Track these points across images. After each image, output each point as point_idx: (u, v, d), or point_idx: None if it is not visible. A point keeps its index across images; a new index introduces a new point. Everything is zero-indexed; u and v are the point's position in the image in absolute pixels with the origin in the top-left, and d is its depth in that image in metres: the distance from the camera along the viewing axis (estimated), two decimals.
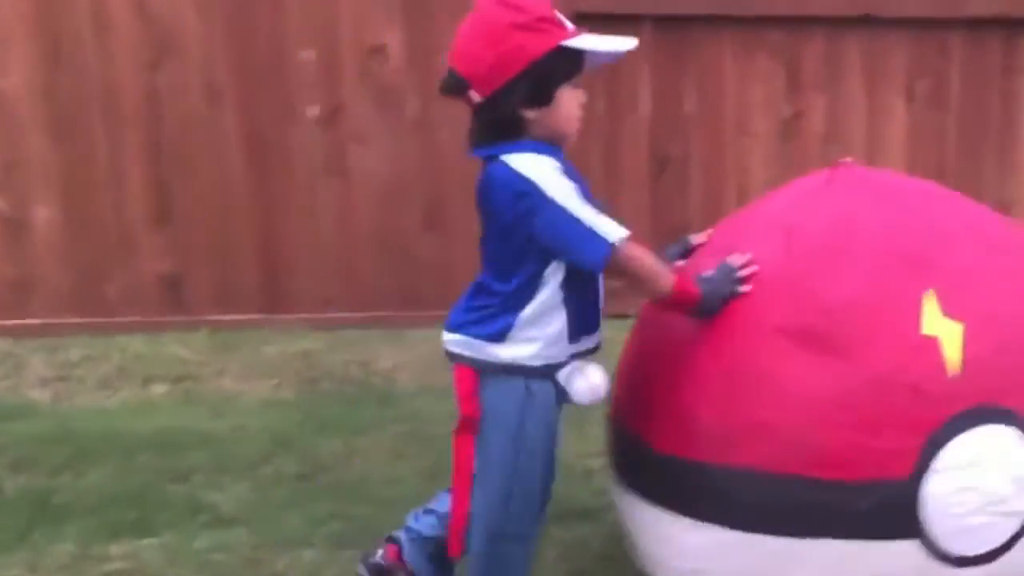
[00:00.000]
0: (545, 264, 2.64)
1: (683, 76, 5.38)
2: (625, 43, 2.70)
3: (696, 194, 5.41)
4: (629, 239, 2.59)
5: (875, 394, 2.56)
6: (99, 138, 5.11)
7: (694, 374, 2.72)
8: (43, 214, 5.13)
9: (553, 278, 2.66)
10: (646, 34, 5.24)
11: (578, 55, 2.64)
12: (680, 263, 2.93)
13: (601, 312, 2.78)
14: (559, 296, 2.68)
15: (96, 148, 5.11)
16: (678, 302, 2.70)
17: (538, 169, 2.59)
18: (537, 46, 2.58)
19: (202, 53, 5.09)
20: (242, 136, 5.16)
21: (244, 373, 4.76)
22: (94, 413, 4.39)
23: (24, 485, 3.81)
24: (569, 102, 2.66)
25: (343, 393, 4.57)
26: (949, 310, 2.63)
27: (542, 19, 2.60)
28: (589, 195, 2.60)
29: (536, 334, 2.71)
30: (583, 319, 2.73)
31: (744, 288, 2.69)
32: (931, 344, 2.60)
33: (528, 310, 2.69)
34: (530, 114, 2.63)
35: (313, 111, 5.18)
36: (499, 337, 2.71)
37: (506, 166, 2.61)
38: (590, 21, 5.02)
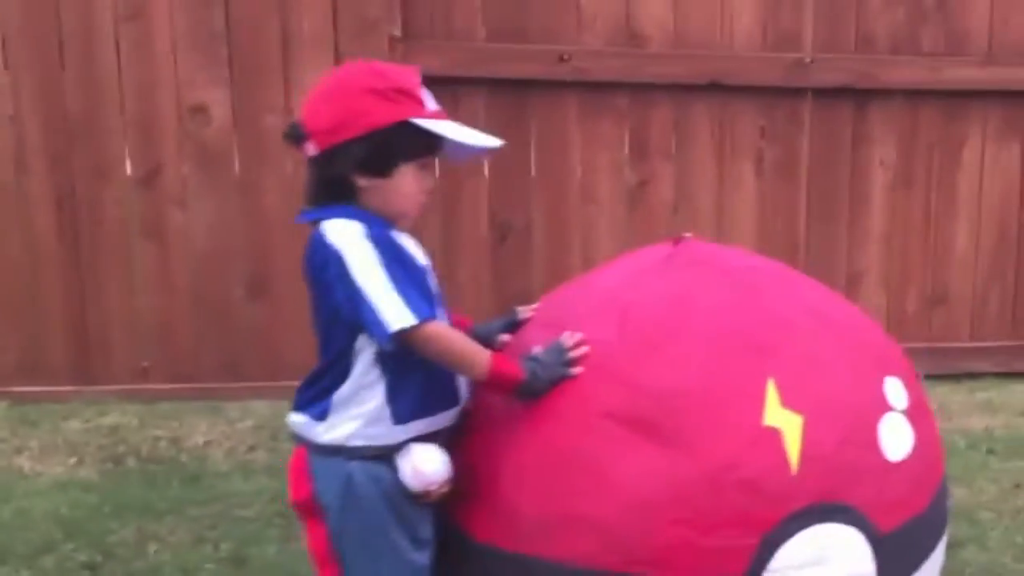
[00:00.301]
0: (354, 337, 2.52)
1: (525, 141, 5.21)
2: (486, 140, 2.66)
3: (539, 263, 5.24)
4: (428, 320, 2.45)
5: (708, 489, 2.40)
6: None
7: (515, 459, 2.54)
8: None
9: (365, 352, 2.53)
10: (483, 97, 5.09)
11: (430, 138, 2.56)
12: (506, 337, 2.76)
13: (457, 388, 2.59)
14: (374, 371, 2.54)
15: None
16: (497, 384, 2.57)
17: (344, 236, 2.48)
18: (384, 115, 2.51)
19: (8, 113, 4.80)
20: (52, 199, 4.86)
21: (43, 451, 4.45)
22: None
23: None
24: (410, 182, 2.58)
25: (147, 472, 4.28)
26: (788, 401, 2.49)
27: (399, 90, 2.54)
28: (407, 268, 2.51)
29: (355, 412, 2.56)
30: (413, 397, 2.57)
31: (575, 370, 2.52)
32: (771, 437, 2.45)
33: (345, 387, 2.56)
34: (362, 181, 2.54)
35: (129, 171, 4.91)
36: (321, 416, 2.59)
37: (320, 232, 2.52)
38: (425, 84, 4.96)
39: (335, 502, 2.56)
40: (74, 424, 4.72)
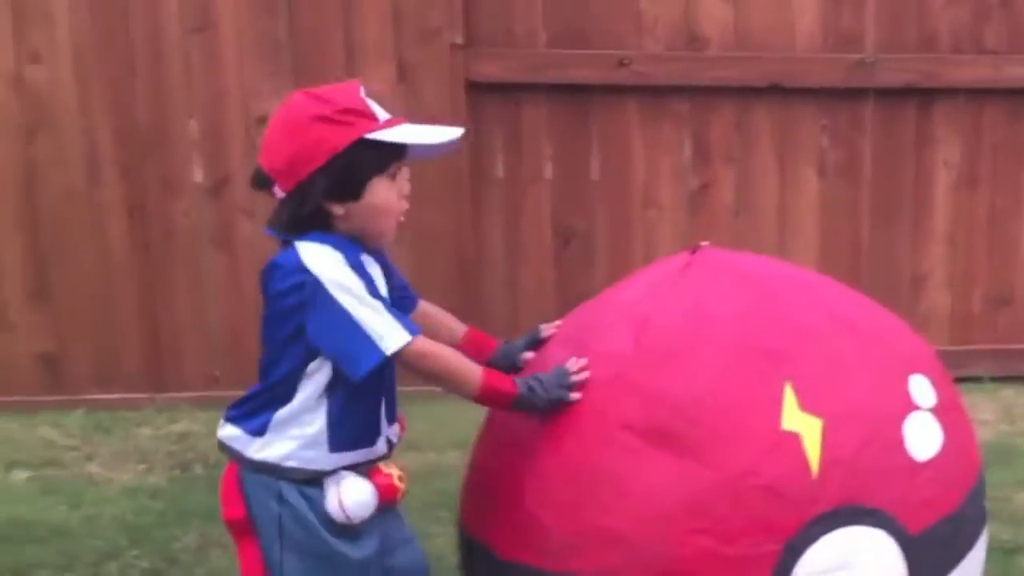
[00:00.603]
0: (308, 360, 2.55)
1: (587, 146, 5.23)
2: (445, 133, 2.65)
3: (602, 267, 5.26)
4: (418, 338, 2.50)
5: (728, 497, 2.41)
6: None
7: (537, 475, 2.55)
8: None
9: (315, 376, 2.56)
10: (543, 103, 5.13)
11: (391, 147, 2.57)
12: (529, 355, 2.80)
13: (380, 423, 2.64)
14: (322, 398, 2.56)
15: None
16: (490, 400, 2.61)
17: (324, 261, 2.49)
18: (338, 139, 2.51)
19: (81, 125, 4.91)
20: (124, 209, 4.98)
21: (114, 457, 4.55)
22: None
23: None
24: (383, 194, 2.58)
25: (213, 479, 4.27)
26: (807, 405, 2.48)
27: (346, 111, 2.54)
28: (377, 293, 2.52)
29: (295, 433, 2.58)
30: (352, 427, 2.59)
31: (575, 395, 2.58)
32: (791, 441, 2.45)
33: (288, 407, 2.58)
34: (337, 209, 2.55)
35: (198, 181, 5.01)
36: (259, 431, 2.61)
37: (295, 252, 2.53)
38: (485, 91, 5.00)
39: (270, 519, 2.59)
40: (145, 431, 4.82)
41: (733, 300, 2.63)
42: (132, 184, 4.95)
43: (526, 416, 2.61)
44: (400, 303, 2.75)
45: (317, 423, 2.57)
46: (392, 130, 2.55)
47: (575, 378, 2.57)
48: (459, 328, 2.94)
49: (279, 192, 2.55)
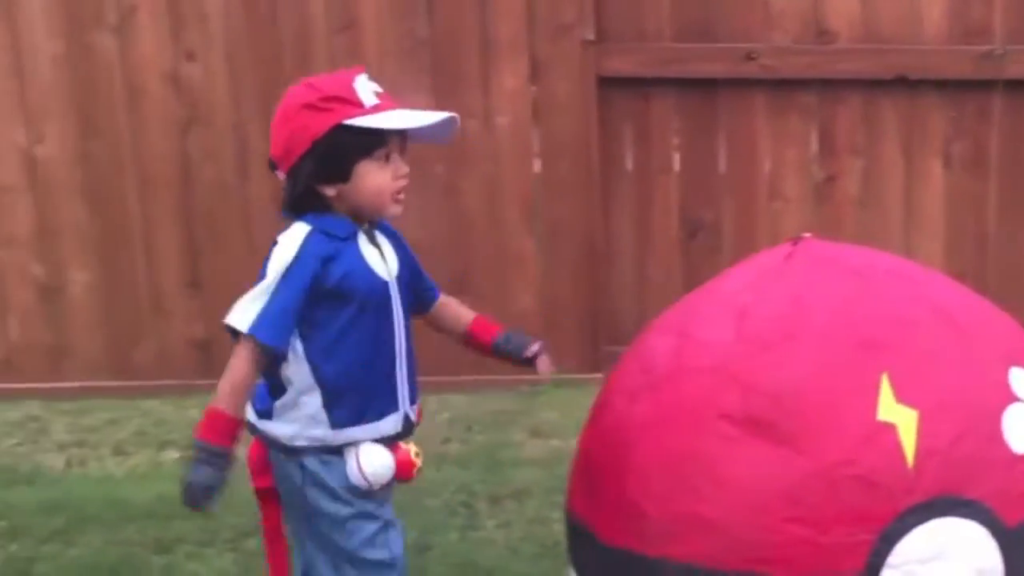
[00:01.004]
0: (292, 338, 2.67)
1: (714, 139, 5.29)
2: (425, 117, 2.74)
3: (728, 259, 5.18)
4: (257, 345, 2.58)
5: (824, 486, 2.46)
6: (132, 204, 5.16)
7: (638, 462, 2.64)
8: (78, 279, 5.19)
9: (299, 357, 2.67)
10: (672, 96, 5.21)
11: (373, 132, 2.66)
12: (537, 345, 3.04)
13: (397, 396, 2.79)
14: (310, 379, 2.69)
15: (129, 214, 5.16)
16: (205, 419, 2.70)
17: (285, 241, 2.65)
18: (319, 124, 2.64)
19: (232, 120, 5.13)
20: (270, 201, 5.16)
21: None
22: (100, 479, 4.41)
23: (12, 554, 3.85)
24: (372, 176, 2.69)
25: None
26: (903, 396, 2.52)
27: (329, 98, 2.67)
28: (295, 292, 2.59)
29: (295, 415, 2.71)
30: (350, 407, 2.71)
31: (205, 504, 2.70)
32: (886, 432, 2.49)
33: (286, 395, 2.70)
34: (328, 190, 2.68)
35: None
36: (267, 415, 2.75)
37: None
38: (615, 85, 5.13)
39: (294, 487, 2.73)
40: None
41: (833, 291, 2.68)
42: (278, 178, 5.14)
43: (629, 404, 2.71)
44: (419, 292, 2.96)
45: (314, 403, 2.68)
46: (372, 116, 2.65)
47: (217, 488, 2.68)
48: (468, 315, 3.18)
49: (280, 175, 2.72)
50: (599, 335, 5.13)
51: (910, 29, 5.17)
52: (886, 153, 5.27)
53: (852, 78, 5.17)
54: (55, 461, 4.60)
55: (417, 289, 2.96)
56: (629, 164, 5.27)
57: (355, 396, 2.71)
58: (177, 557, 3.82)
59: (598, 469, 2.78)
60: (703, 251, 5.17)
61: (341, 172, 2.67)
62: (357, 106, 2.66)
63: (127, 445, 4.73)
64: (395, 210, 2.77)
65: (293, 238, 2.64)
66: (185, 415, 4.92)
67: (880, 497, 2.45)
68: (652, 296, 5.18)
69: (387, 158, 2.69)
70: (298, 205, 2.70)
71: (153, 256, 5.19)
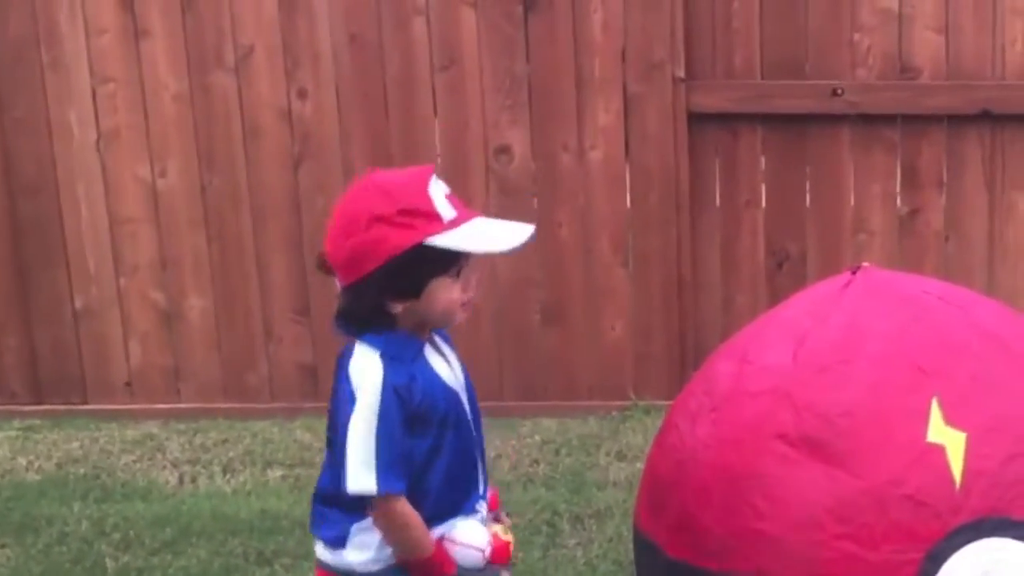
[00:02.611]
0: None
1: (800, 173, 5.39)
2: (513, 235, 2.63)
3: None
4: (397, 497, 2.52)
5: (874, 505, 2.56)
6: (247, 235, 5.41)
7: (699, 479, 2.77)
8: (196, 306, 5.46)
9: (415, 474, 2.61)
10: (759, 132, 5.33)
11: (453, 251, 2.53)
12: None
13: (474, 492, 2.74)
14: (410, 493, 2.59)
15: (244, 244, 5.42)
16: (427, 569, 2.63)
17: (364, 381, 2.53)
18: (398, 241, 2.49)
19: (341, 155, 5.35)
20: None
21: None
22: (209, 495, 4.66)
23: (124, 564, 4.13)
24: (443, 293, 2.56)
25: None
26: (952, 419, 2.62)
27: (407, 211, 2.50)
28: (400, 433, 2.51)
29: (370, 540, 2.65)
30: (434, 510, 2.63)
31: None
32: (935, 453, 2.59)
33: (365, 520, 2.63)
34: (396, 307, 2.55)
35: None
36: (339, 543, 2.69)
37: (349, 357, 2.61)
38: (704, 121, 5.31)
39: None
40: None
41: (888, 317, 2.79)
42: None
43: (692, 425, 2.84)
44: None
45: None
46: (454, 234, 2.51)
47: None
48: None
49: (339, 283, 2.58)
50: (686, 363, 5.24)
51: (993, 65, 5.23)
52: (969, 187, 5.32)
53: (936, 113, 5.24)
54: (169, 477, 4.87)
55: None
56: (717, 197, 5.40)
57: (437, 507, 2.65)
58: (276, 569, 4.07)
59: (662, 486, 2.91)
60: (788, 282, 5.25)
61: (413, 289, 2.53)
62: (437, 221, 2.51)
63: (236, 463, 4.97)
64: (462, 318, 2.65)
65: (368, 377, 2.52)
66: (291, 436, 5.21)
67: (928, 516, 2.54)
68: (738, 325, 5.12)
69: (458, 274, 2.57)
70: (360, 320, 2.57)
71: (266, 284, 5.43)
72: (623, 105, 5.30)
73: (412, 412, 2.55)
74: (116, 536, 4.30)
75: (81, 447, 5.16)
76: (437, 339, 2.72)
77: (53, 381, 5.53)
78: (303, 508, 4.39)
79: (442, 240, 2.50)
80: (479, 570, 2.71)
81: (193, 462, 4.99)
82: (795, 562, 2.59)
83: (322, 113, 5.34)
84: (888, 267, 5.10)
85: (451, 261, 2.55)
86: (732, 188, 5.39)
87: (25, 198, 5.39)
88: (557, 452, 5.00)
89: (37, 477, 4.88)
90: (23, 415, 5.49)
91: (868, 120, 5.27)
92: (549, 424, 5.25)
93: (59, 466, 4.98)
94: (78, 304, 5.46)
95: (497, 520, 2.86)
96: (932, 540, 2.54)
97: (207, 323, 5.48)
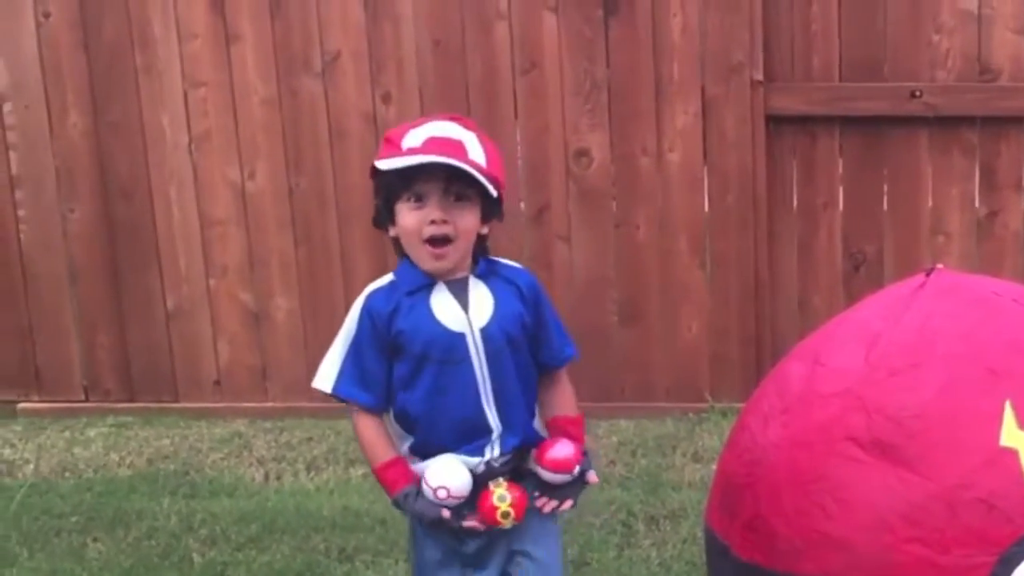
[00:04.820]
0: None
1: (878, 175, 5.39)
2: (407, 160, 2.71)
3: None
4: (359, 407, 2.84)
5: (944, 508, 2.57)
6: (332, 236, 5.53)
7: (770, 481, 2.79)
8: (283, 306, 5.59)
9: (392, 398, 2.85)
10: (837, 134, 5.34)
11: (398, 173, 2.72)
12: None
13: (489, 441, 2.87)
14: (394, 417, 2.88)
15: (330, 246, 5.54)
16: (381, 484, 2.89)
17: (359, 297, 2.85)
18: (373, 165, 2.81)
19: None
20: None
21: None
22: (293, 492, 4.78)
23: (211, 558, 4.25)
24: (403, 219, 2.76)
25: None
26: None
27: (384, 140, 2.84)
28: (370, 351, 2.78)
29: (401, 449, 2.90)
30: (429, 440, 2.84)
31: (437, 514, 2.78)
32: (1008, 457, 2.60)
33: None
34: (391, 231, 2.82)
35: (522, 209, 5.44)
36: None
37: None
38: (782, 123, 5.36)
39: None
40: None
41: (960, 319, 2.78)
42: None
43: (763, 426, 2.86)
44: (539, 348, 2.96)
45: (405, 445, 2.88)
46: (394, 158, 2.73)
47: (435, 511, 2.78)
48: (565, 410, 3.11)
49: None
50: (763, 365, 5.25)
51: None
52: None
53: (1015, 115, 5.23)
54: (255, 474, 5.01)
55: (538, 345, 2.97)
56: (795, 199, 5.43)
57: (431, 439, 2.83)
58: (356, 566, 4.17)
59: (733, 487, 2.93)
60: (865, 284, 5.26)
61: (388, 211, 2.80)
62: (395, 148, 2.76)
63: (320, 461, 5.09)
64: (430, 264, 2.77)
65: (361, 296, 2.85)
66: None
67: (999, 520, 2.54)
68: (814, 328, 5.12)
69: (418, 200, 2.74)
70: (395, 245, 2.84)
71: (350, 284, 5.50)
72: (701, 108, 5.34)
73: (386, 338, 2.79)
74: (203, 532, 4.42)
75: (171, 444, 5.31)
76: (479, 282, 2.86)
77: (145, 379, 5.69)
78: (384, 505, 4.47)
79: (380, 162, 2.75)
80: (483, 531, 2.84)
81: (278, 460, 5.11)
82: (865, 565, 2.61)
83: (406, 116, 5.33)
84: (966, 269, 5.16)
85: (398, 186, 2.75)
86: (810, 190, 5.42)
87: (119, 200, 5.56)
88: (633, 453, 5.05)
89: (128, 473, 5.03)
90: (116, 412, 5.67)
91: (947, 122, 5.26)
92: (626, 425, 5.31)
93: (150, 462, 5.13)
94: (170, 304, 5.62)
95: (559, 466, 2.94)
96: (1004, 544, 2.54)
97: (293, 323, 5.60)
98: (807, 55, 5.32)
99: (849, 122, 5.33)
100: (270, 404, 5.65)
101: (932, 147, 5.32)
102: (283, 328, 5.62)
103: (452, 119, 2.86)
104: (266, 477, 4.99)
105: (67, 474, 5.04)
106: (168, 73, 5.47)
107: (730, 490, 2.96)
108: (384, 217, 2.82)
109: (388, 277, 2.85)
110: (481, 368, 2.84)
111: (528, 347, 2.92)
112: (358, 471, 4.96)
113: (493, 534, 2.89)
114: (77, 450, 5.28)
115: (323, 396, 5.45)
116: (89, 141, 5.53)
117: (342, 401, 2.89)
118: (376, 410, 2.86)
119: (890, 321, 2.86)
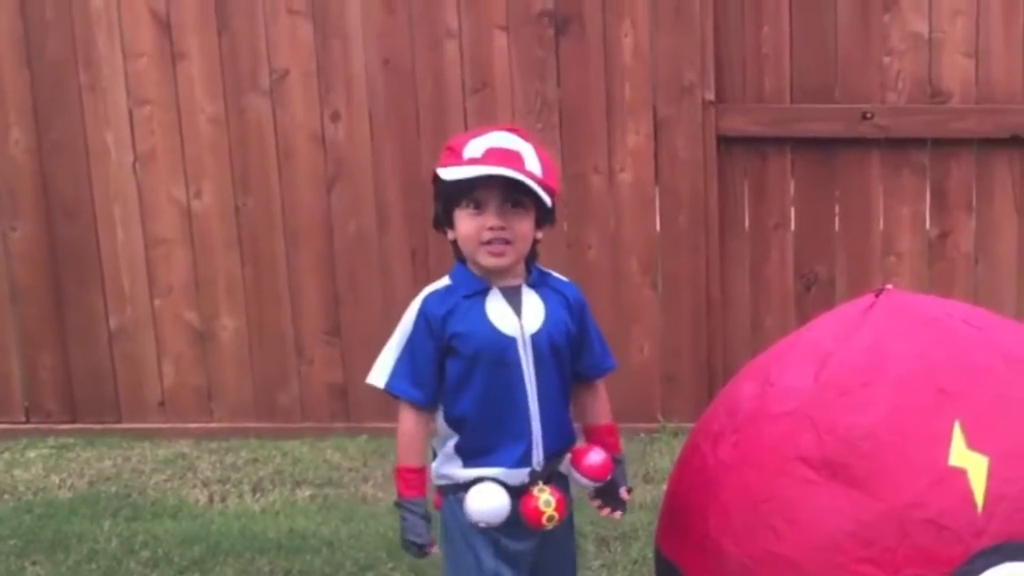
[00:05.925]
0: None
1: (829, 196, 5.41)
2: (476, 171, 2.79)
3: None
4: (406, 403, 2.87)
5: (895, 528, 2.57)
6: (279, 256, 5.45)
7: (721, 502, 2.79)
8: (228, 326, 5.51)
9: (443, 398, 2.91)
10: (788, 155, 5.34)
11: (458, 182, 2.80)
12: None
13: (533, 447, 2.90)
14: (443, 417, 2.91)
15: (277, 265, 5.46)
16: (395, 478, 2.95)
17: (416, 299, 2.92)
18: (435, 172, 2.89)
19: (373, 177, 5.39)
20: (407, 252, 5.42)
21: (388, 480, 4.85)
22: (238, 514, 4.69)
23: None
24: (461, 225, 2.85)
25: None
26: (975, 443, 2.63)
27: (446, 148, 2.90)
28: (423, 351, 2.84)
29: (441, 452, 2.94)
30: (477, 447, 2.89)
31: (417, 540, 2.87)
32: (957, 476, 2.60)
33: (438, 435, 2.95)
34: (450, 235, 2.90)
35: None
36: (435, 455, 3.00)
37: None
38: (733, 144, 5.34)
39: (441, 521, 2.96)
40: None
41: (910, 340, 2.80)
42: (414, 230, 5.36)
43: (713, 446, 2.87)
44: (580, 359, 2.99)
45: (451, 443, 2.91)
46: (457, 168, 2.80)
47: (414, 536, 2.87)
48: (601, 419, 3.10)
49: None
50: (715, 386, 5.19)
51: (1023, 89, 5.23)
52: (999, 210, 5.34)
53: (965, 137, 5.25)
54: (199, 496, 4.90)
55: (579, 355, 3.01)
56: (746, 220, 5.42)
57: (477, 439, 2.89)
58: None
59: (683, 508, 2.93)
60: (817, 305, 5.20)
61: (446, 217, 2.87)
62: (456, 157, 2.84)
63: (266, 483, 5.01)
64: (489, 261, 2.85)
65: (419, 298, 2.90)
66: (321, 456, 5.25)
67: (949, 540, 2.55)
68: (766, 348, 5.27)
69: (476, 207, 2.82)
70: (453, 248, 2.92)
71: (297, 305, 5.48)
72: (653, 128, 5.33)
73: (441, 340, 2.87)
74: (145, 554, 4.32)
75: (113, 466, 5.21)
76: (531, 290, 2.94)
77: (88, 400, 5.59)
78: (331, 528, 4.56)
79: (443, 171, 2.84)
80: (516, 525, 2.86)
81: (223, 481, 5.03)
82: None
83: (355, 136, 5.39)
84: (917, 290, 5.18)
85: (458, 194, 2.83)
86: (761, 211, 5.41)
87: (62, 219, 5.46)
88: (648, 480, 4.93)
89: (69, 495, 4.91)
90: (57, 433, 5.55)
91: (897, 144, 5.29)
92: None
93: (91, 484, 5.02)
94: (113, 324, 5.52)
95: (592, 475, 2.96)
96: (953, 564, 2.55)
97: (239, 344, 5.53)
98: (759, 76, 5.32)
99: (800, 143, 5.34)
100: (215, 425, 5.57)
101: (883, 168, 5.34)
102: (229, 348, 5.55)
103: (511, 130, 2.94)
104: (210, 499, 4.89)
105: (6, 496, 4.92)
106: (113, 91, 5.38)
107: (680, 511, 2.96)
108: (443, 220, 2.90)
109: (444, 280, 2.93)
110: (529, 373, 2.91)
111: (570, 357, 2.98)
112: (304, 492, 4.90)
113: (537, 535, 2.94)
114: (17, 472, 5.16)
115: (271, 417, 5.52)
116: (32, 159, 5.43)
117: (394, 397, 2.92)
118: (425, 408, 2.91)
119: (840, 342, 2.87)
